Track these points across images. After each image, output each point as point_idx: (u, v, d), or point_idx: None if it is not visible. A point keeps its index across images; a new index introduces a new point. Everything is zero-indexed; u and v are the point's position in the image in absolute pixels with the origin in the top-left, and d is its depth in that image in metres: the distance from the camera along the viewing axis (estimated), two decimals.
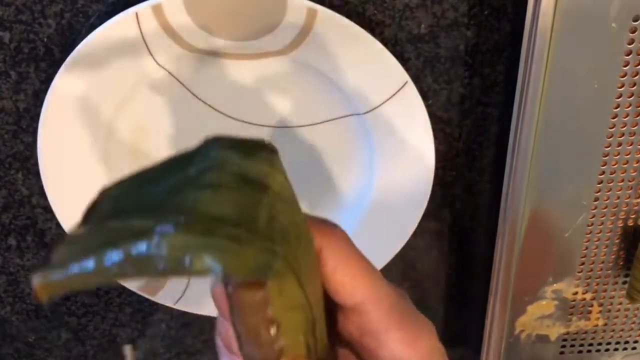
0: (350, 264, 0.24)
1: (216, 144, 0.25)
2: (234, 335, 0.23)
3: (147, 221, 0.21)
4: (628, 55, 0.38)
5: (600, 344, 0.53)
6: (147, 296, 0.47)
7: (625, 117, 0.40)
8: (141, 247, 0.20)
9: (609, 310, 0.50)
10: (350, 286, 0.24)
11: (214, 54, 0.40)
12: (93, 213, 0.23)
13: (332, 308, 0.25)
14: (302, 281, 0.23)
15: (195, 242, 0.20)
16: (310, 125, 0.43)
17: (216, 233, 0.20)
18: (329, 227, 0.25)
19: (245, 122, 0.43)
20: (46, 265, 0.20)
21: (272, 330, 0.22)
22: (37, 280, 0.20)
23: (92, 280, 0.20)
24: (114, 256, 0.20)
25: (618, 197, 0.44)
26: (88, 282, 0.20)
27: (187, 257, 0.20)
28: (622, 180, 0.43)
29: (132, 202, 0.23)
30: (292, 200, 0.24)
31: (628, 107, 0.40)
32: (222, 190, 0.22)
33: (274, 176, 0.24)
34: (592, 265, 0.47)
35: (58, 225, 0.44)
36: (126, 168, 0.44)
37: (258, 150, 0.25)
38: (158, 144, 0.43)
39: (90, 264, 0.20)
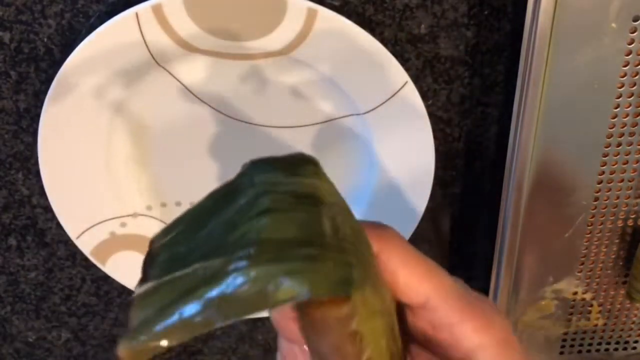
0: (410, 264, 0.24)
1: (258, 169, 0.24)
2: (310, 356, 0.23)
3: (214, 262, 0.20)
4: (628, 55, 0.38)
5: (600, 343, 0.53)
6: None
7: (625, 117, 0.40)
8: (220, 289, 0.19)
9: (609, 310, 0.50)
10: (416, 285, 0.24)
11: (214, 54, 0.40)
12: (151, 266, 0.22)
13: (398, 308, 0.25)
14: (377, 286, 0.23)
15: (274, 271, 0.20)
16: (310, 125, 0.43)
17: (290, 256, 0.20)
18: (383, 229, 0.25)
19: (246, 122, 0.43)
20: (128, 331, 0.20)
21: (358, 343, 0.22)
22: (124, 348, 0.20)
23: (178, 336, 0.20)
24: (194, 307, 0.19)
25: (618, 197, 0.44)
26: (175, 339, 0.20)
27: (269, 287, 0.19)
28: (622, 180, 0.43)
29: (190, 247, 0.22)
30: (346, 208, 0.24)
31: (628, 107, 0.40)
32: (279, 214, 0.21)
33: (324, 187, 0.24)
34: (592, 265, 0.47)
35: (58, 225, 0.44)
36: (126, 168, 0.44)
37: (301, 165, 0.24)
38: (158, 144, 0.43)
39: (172, 320, 0.19)
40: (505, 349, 0.25)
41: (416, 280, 0.24)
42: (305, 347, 0.24)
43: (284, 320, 0.24)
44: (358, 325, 0.22)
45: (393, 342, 0.24)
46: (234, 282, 0.19)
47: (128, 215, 0.45)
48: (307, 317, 0.22)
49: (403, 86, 0.40)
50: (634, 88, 0.39)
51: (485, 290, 0.49)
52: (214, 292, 0.19)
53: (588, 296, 0.49)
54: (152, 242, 0.23)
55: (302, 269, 0.20)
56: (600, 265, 0.47)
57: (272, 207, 0.22)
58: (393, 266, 0.24)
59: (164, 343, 0.20)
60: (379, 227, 0.25)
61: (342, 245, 0.22)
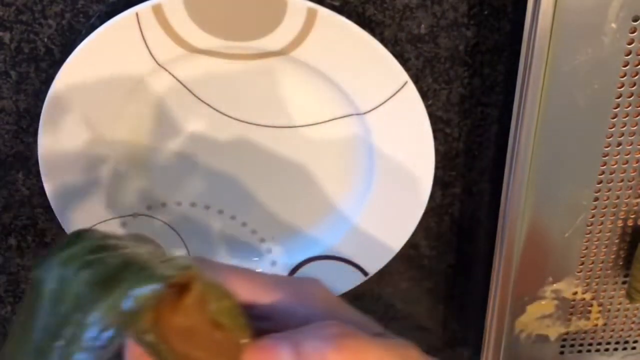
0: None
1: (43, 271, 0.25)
2: None
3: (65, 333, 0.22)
4: (628, 55, 0.38)
5: (600, 343, 0.53)
6: None
7: (625, 117, 0.40)
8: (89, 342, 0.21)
9: (609, 310, 0.50)
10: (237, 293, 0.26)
11: (214, 54, 0.40)
12: None
13: None
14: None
15: (117, 293, 0.22)
16: (310, 125, 0.43)
17: (122, 278, 0.22)
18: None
19: (245, 122, 0.43)
20: None
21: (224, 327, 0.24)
22: None
23: None
24: None
25: (618, 197, 0.44)
26: None
27: (125, 304, 0.21)
28: (622, 180, 0.43)
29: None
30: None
31: (628, 107, 0.40)
32: (93, 266, 0.23)
33: (109, 240, 0.25)
34: (591, 265, 0.47)
35: (58, 225, 0.44)
36: (126, 168, 0.44)
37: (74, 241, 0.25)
38: (158, 144, 0.43)
39: None
40: (330, 303, 0.27)
41: (237, 287, 0.26)
42: None
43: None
44: (217, 312, 0.23)
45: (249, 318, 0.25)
46: (96, 328, 0.21)
47: (128, 215, 0.45)
48: (167, 329, 0.23)
49: (403, 86, 0.40)
50: (634, 88, 0.39)
51: (485, 290, 0.49)
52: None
53: (588, 296, 0.49)
54: None
55: (139, 277, 0.22)
56: (600, 265, 0.47)
57: (82, 267, 0.23)
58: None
59: None
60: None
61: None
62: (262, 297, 0.26)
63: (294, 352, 0.24)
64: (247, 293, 0.26)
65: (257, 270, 0.28)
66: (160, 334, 0.23)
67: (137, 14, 0.36)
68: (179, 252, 0.47)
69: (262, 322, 0.26)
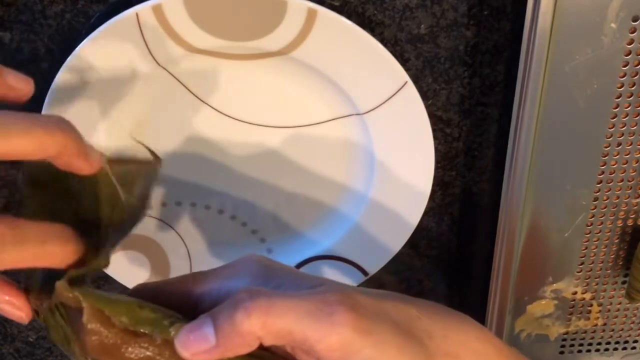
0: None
1: None
2: None
3: None
4: (628, 55, 0.38)
5: (599, 343, 0.53)
6: None
7: (624, 117, 0.40)
8: None
9: (609, 310, 0.50)
10: (182, 290, 0.30)
11: (214, 54, 0.40)
12: None
13: None
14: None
15: None
16: (310, 125, 0.43)
17: None
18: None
19: (246, 122, 0.43)
20: None
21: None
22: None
23: None
24: None
25: (617, 197, 0.44)
26: None
27: None
28: (622, 180, 0.43)
29: None
30: None
31: (627, 107, 0.40)
32: None
33: None
34: (591, 265, 0.47)
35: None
36: None
37: None
38: (158, 144, 0.43)
39: None
40: (264, 269, 0.29)
41: (179, 286, 0.30)
42: None
43: None
44: (130, 323, 0.26)
45: None
46: None
47: None
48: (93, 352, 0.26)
49: (403, 86, 0.40)
50: (634, 88, 0.39)
51: (485, 290, 0.49)
52: None
53: (588, 296, 0.49)
54: None
55: None
56: (600, 265, 0.47)
57: None
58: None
59: None
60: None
61: None
62: (200, 283, 0.29)
63: (214, 327, 0.25)
64: (187, 284, 0.29)
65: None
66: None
67: (137, 14, 0.36)
68: (179, 251, 0.47)
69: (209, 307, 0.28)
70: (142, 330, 0.26)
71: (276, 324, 0.25)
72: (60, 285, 0.26)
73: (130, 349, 0.26)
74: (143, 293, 0.29)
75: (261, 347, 0.27)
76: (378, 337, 0.26)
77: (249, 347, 0.26)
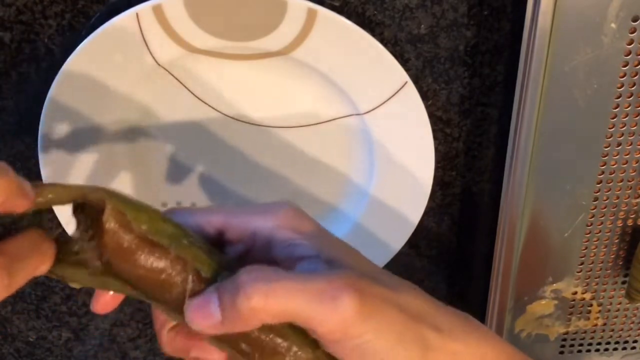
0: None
1: None
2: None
3: None
4: (628, 55, 0.38)
5: (599, 343, 0.53)
6: None
7: (624, 117, 0.40)
8: None
9: (609, 310, 0.50)
10: (208, 221, 0.30)
11: (214, 54, 0.40)
12: None
13: None
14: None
15: None
16: (310, 125, 0.43)
17: None
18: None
19: (246, 122, 0.43)
20: None
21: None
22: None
23: None
24: None
25: (617, 197, 0.44)
26: None
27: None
28: (622, 180, 0.43)
29: None
30: None
31: (627, 107, 0.40)
32: None
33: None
34: (591, 265, 0.47)
35: (58, 225, 0.44)
36: (126, 168, 0.44)
37: None
38: (158, 144, 0.43)
39: None
40: (298, 221, 0.29)
41: (207, 217, 0.30)
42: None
43: (172, 342, 0.30)
44: (149, 231, 0.26)
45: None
46: None
47: None
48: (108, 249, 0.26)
49: (403, 86, 0.40)
50: (634, 88, 0.39)
51: (485, 290, 0.49)
52: None
53: (588, 296, 0.49)
54: None
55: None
56: (600, 265, 0.47)
57: None
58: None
59: None
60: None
61: None
62: (231, 219, 0.29)
63: (220, 304, 0.26)
64: (218, 217, 0.29)
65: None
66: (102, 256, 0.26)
67: (137, 14, 0.36)
68: None
69: (234, 246, 0.29)
70: (158, 242, 0.26)
71: (277, 306, 0.25)
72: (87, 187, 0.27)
73: (143, 257, 0.26)
74: (171, 215, 0.29)
75: None
76: (380, 323, 0.26)
77: (253, 325, 0.26)
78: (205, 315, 0.26)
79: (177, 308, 0.27)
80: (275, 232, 0.29)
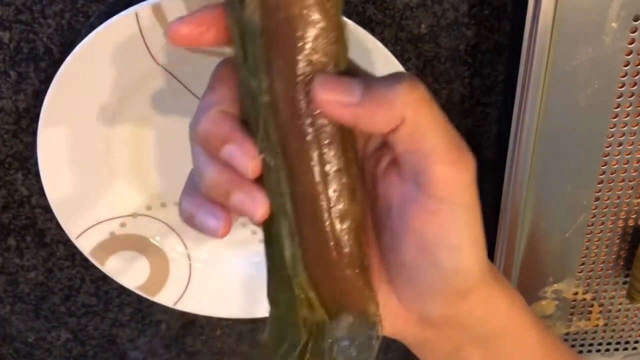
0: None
1: None
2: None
3: None
4: (628, 55, 0.38)
5: (600, 344, 0.53)
6: (146, 296, 0.47)
7: (625, 117, 0.40)
8: None
9: (609, 311, 0.50)
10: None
11: (214, 54, 0.39)
12: None
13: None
14: None
15: None
16: None
17: None
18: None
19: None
20: None
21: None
22: None
23: None
24: None
25: (618, 197, 0.44)
26: None
27: None
28: (623, 181, 0.43)
29: None
30: None
31: (628, 107, 0.40)
32: None
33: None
34: (592, 266, 0.47)
35: (58, 225, 0.44)
36: (126, 168, 0.44)
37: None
38: (158, 144, 0.43)
39: None
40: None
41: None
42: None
43: (217, 122, 0.26)
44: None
45: None
46: None
47: (128, 215, 0.45)
48: None
49: None
50: (635, 88, 0.39)
51: None
52: None
53: (588, 296, 0.49)
54: None
55: None
56: (601, 265, 0.47)
57: None
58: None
59: None
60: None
61: None
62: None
63: (365, 85, 0.25)
64: None
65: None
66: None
67: (136, 14, 0.36)
68: (178, 252, 0.47)
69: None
70: (334, 13, 0.24)
71: (426, 116, 0.25)
72: None
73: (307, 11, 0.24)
74: None
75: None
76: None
77: (385, 124, 0.25)
78: (343, 87, 0.24)
79: (290, 75, 0.24)
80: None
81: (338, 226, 0.26)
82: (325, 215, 0.26)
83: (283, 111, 0.25)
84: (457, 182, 0.26)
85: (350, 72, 0.26)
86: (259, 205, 0.26)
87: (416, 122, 0.25)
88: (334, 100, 0.24)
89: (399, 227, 0.27)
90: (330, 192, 0.26)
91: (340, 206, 0.26)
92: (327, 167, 0.26)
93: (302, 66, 0.25)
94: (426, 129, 0.25)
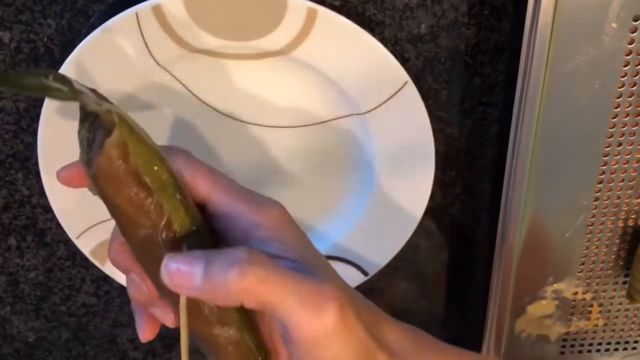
0: (193, 167, 0.29)
1: None
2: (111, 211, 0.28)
3: None
4: (628, 55, 0.38)
5: (600, 344, 0.53)
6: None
7: (625, 117, 0.40)
8: None
9: (609, 310, 0.50)
10: (196, 185, 0.29)
11: (214, 54, 0.39)
12: None
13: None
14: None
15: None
16: (311, 125, 0.43)
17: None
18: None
19: (246, 122, 0.43)
20: None
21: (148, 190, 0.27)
22: None
23: None
24: None
25: (618, 197, 0.44)
26: None
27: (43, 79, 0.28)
28: (623, 180, 0.43)
29: None
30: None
31: (628, 107, 0.40)
32: None
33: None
34: (592, 265, 0.47)
35: (58, 225, 0.44)
36: None
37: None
38: (158, 143, 0.43)
39: None
40: (281, 226, 0.29)
41: (195, 181, 0.29)
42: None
43: (118, 254, 0.31)
44: (142, 169, 0.26)
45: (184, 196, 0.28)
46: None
47: None
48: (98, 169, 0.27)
49: (403, 86, 0.40)
50: (634, 88, 0.39)
51: (485, 290, 0.49)
52: None
53: (588, 296, 0.49)
54: None
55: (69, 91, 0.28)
56: (601, 265, 0.47)
57: None
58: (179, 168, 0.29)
59: None
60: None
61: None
62: (218, 195, 0.29)
63: (205, 270, 0.26)
64: (206, 186, 0.29)
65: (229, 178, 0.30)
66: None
67: (137, 14, 0.36)
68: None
69: (212, 219, 0.29)
70: (146, 182, 0.27)
71: (264, 296, 0.26)
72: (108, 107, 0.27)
73: (127, 190, 0.27)
74: (173, 156, 0.29)
75: None
76: (348, 340, 0.27)
77: (228, 302, 0.26)
78: (186, 274, 0.26)
79: (141, 247, 0.28)
80: (256, 229, 0.28)
81: None
82: None
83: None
84: (317, 333, 0.26)
85: (195, 228, 0.28)
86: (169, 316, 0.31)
87: (257, 301, 0.26)
88: (179, 285, 0.27)
89: None
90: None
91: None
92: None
93: (140, 234, 0.28)
94: (271, 298, 0.26)
